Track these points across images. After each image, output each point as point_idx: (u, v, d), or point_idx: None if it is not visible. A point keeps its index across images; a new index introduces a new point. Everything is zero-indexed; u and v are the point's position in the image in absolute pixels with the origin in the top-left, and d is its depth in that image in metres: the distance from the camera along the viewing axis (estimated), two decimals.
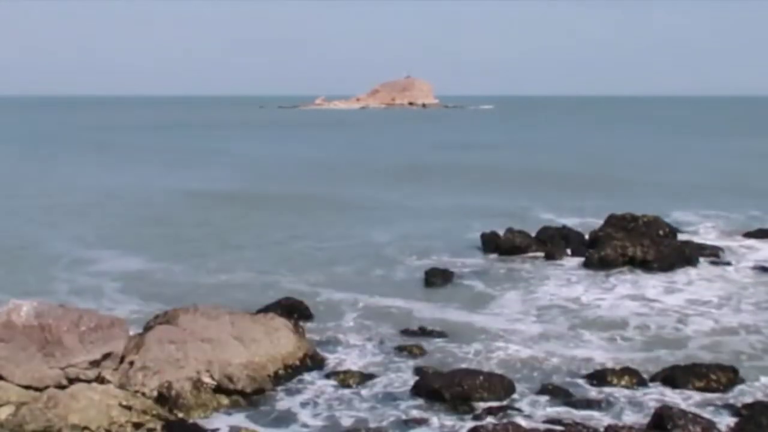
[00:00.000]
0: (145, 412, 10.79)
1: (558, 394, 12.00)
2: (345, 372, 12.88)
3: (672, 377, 12.47)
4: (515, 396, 11.91)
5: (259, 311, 15.17)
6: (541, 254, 21.84)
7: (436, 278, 19.16)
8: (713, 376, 12.34)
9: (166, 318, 13.38)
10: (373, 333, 15.15)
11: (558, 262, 21.21)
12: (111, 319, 12.55)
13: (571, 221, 26.14)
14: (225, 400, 11.65)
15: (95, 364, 11.71)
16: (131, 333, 12.99)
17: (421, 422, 11.07)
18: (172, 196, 34.10)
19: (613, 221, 23.90)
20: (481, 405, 11.52)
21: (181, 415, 11.12)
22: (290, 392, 12.16)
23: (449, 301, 17.49)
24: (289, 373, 12.66)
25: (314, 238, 24.67)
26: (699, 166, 48.50)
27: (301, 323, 14.84)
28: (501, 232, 22.78)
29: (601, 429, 10.38)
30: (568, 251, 21.96)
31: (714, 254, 21.65)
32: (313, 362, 13.20)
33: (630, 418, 11.18)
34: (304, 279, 19.42)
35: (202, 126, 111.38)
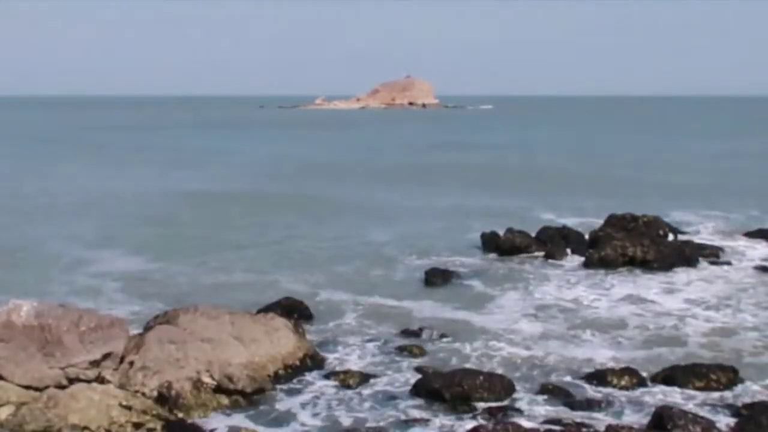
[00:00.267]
0: (145, 412, 10.80)
1: (558, 394, 12.00)
2: (345, 372, 12.87)
3: (672, 377, 12.48)
4: (515, 396, 11.91)
5: (259, 311, 15.17)
6: (541, 254, 21.84)
7: (436, 278, 19.16)
8: (713, 376, 12.34)
9: (166, 318, 13.38)
10: (373, 333, 15.15)
11: (558, 262, 21.22)
12: (111, 319, 12.55)
13: (571, 221, 26.15)
14: (225, 400, 11.64)
15: (95, 364, 11.70)
16: (131, 333, 12.99)
17: (421, 422, 11.07)
18: (172, 196, 34.08)
19: (613, 221, 23.91)
20: (481, 405, 11.52)
21: (181, 415, 11.12)
22: (290, 392, 12.16)
23: (449, 301, 17.49)
24: (289, 373, 12.66)
25: (314, 238, 24.67)
26: (699, 166, 48.51)
27: (301, 323, 14.85)
28: (501, 232, 22.78)
29: (601, 429, 10.38)
30: (568, 251, 21.96)
31: (714, 254, 21.65)
32: (313, 362, 13.20)
33: (630, 418, 11.18)
34: (304, 279, 19.43)
35: (202, 126, 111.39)
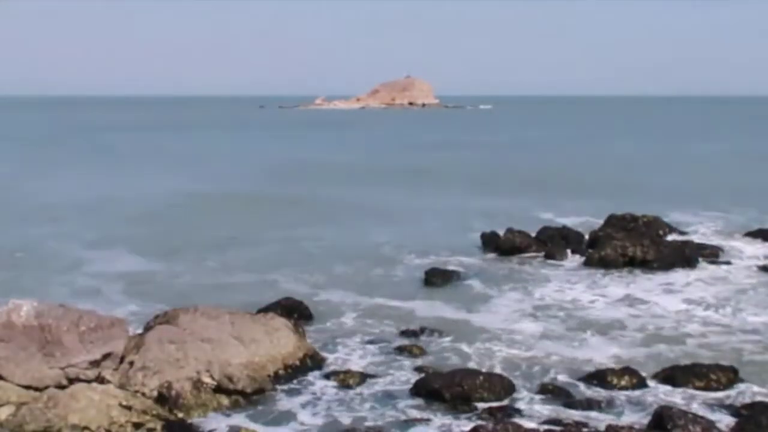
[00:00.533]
0: (145, 412, 10.80)
1: (558, 394, 12.00)
2: (345, 372, 12.87)
3: (672, 377, 12.48)
4: (515, 396, 11.91)
5: (259, 311, 15.17)
6: (541, 254, 21.85)
7: (436, 278, 19.16)
8: (713, 376, 12.34)
9: (166, 318, 13.38)
10: (373, 333, 15.15)
11: (558, 262, 21.22)
12: (111, 319, 12.55)
13: (571, 221, 26.16)
14: (225, 400, 11.64)
15: (95, 364, 11.70)
16: (131, 333, 12.99)
17: (421, 422, 11.07)
18: (172, 196, 34.07)
19: (613, 221, 23.93)
20: (481, 405, 11.52)
21: (181, 415, 11.11)
22: (290, 392, 12.16)
23: (449, 301, 17.49)
24: (289, 373, 12.66)
25: (314, 238, 24.67)
26: (699, 166, 48.51)
27: (301, 323, 14.85)
28: (501, 232, 22.79)
29: (601, 429, 10.38)
30: (568, 251, 21.95)
31: (714, 254, 21.65)
32: (313, 362, 13.20)
33: (630, 418, 11.18)
34: (304, 279, 19.43)
35: (202, 126, 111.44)
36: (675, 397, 11.94)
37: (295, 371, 12.76)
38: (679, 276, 19.58)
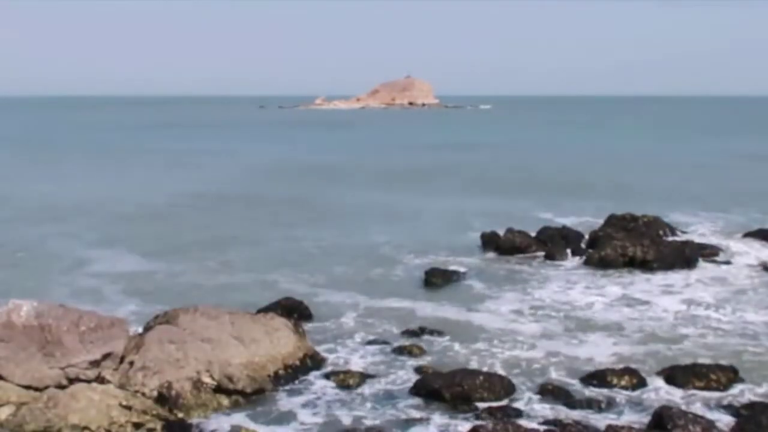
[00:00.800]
0: (145, 412, 10.80)
1: (558, 394, 12.00)
2: (345, 372, 12.88)
3: (672, 377, 12.49)
4: (515, 396, 11.93)
5: (259, 311, 15.17)
6: (541, 254, 21.85)
7: (436, 278, 19.16)
8: (713, 376, 12.34)
9: (166, 318, 13.38)
10: (373, 333, 15.15)
11: (558, 262, 21.22)
12: (111, 320, 12.55)
13: (571, 221, 26.17)
14: (225, 400, 11.65)
15: (95, 364, 11.71)
16: (131, 333, 12.99)
17: (421, 422, 11.08)
18: (172, 196, 34.08)
19: (613, 221, 23.93)
20: (481, 405, 11.52)
21: (181, 415, 11.12)
22: (290, 392, 12.17)
23: (449, 301, 17.49)
24: (289, 373, 12.66)
25: (314, 238, 24.68)
26: (699, 167, 48.49)
27: (301, 323, 14.84)
28: (501, 232, 22.79)
29: (601, 429, 10.39)
30: (568, 251, 21.95)
31: (714, 254, 21.66)
32: (313, 362, 13.20)
33: (630, 418, 11.18)
34: (304, 279, 19.43)
35: (202, 126, 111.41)
36: (675, 397, 11.94)
37: (295, 371, 12.76)
38: (679, 276, 19.58)
